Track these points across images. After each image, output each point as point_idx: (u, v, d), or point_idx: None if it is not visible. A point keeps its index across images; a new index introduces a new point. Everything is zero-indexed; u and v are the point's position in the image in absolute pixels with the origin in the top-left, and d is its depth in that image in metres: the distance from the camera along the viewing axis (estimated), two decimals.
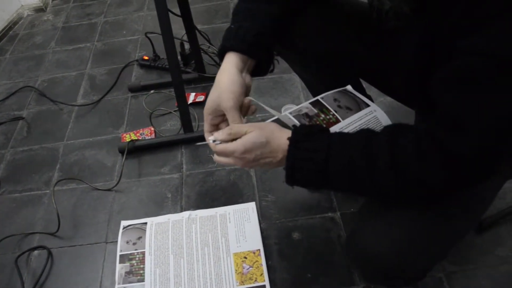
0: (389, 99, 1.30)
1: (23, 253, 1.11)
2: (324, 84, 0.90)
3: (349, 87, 0.75)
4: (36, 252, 1.12)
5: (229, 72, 0.70)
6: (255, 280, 0.99)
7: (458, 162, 0.56)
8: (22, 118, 1.53)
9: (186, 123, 1.33)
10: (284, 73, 1.54)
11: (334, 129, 0.69)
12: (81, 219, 1.18)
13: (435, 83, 0.58)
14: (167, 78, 1.50)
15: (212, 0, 1.98)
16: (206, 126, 0.74)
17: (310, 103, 0.72)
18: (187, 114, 1.31)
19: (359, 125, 0.70)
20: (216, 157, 0.69)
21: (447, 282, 0.95)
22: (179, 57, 1.46)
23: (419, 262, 0.69)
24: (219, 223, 1.10)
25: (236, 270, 1.01)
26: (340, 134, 0.65)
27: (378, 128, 0.70)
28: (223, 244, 1.06)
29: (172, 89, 1.40)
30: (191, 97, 1.48)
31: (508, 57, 0.49)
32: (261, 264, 1.01)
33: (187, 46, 1.53)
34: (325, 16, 0.80)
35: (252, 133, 0.65)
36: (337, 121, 0.70)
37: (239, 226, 1.09)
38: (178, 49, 1.44)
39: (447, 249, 0.74)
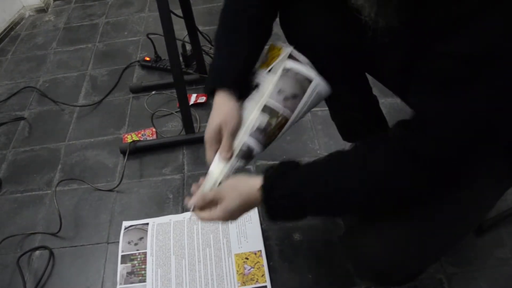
0: (390, 100, 1.32)
1: (25, 253, 1.11)
2: (332, 77, 0.91)
3: (293, 52, 0.76)
4: (37, 252, 1.12)
5: (229, 102, 0.75)
6: (257, 281, 0.99)
7: (430, 167, 0.57)
8: (24, 119, 1.53)
9: (188, 124, 1.33)
10: None
11: (286, 127, 0.75)
12: (82, 219, 1.18)
13: (411, 88, 0.59)
14: (169, 79, 1.50)
15: (213, 2, 1.99)
16: (211, 155, 0.76)
17: (261, 110, 0.75)
18: (188, 115, 1.32)
19: (306, 107, 0.75)
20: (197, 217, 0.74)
21: (447, 283, 0.95)
22: (180, 58, 1.47)
23: (408, 265, 0.70)
24: (220, 224, 1.10)
25: (237, 271, 1.01)
26: (308, 167, 0.67)
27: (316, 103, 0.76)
28: (224, 245, 1.06)
29: (174, 90, 1.40)
30: (193, 98, 1.48)
31: (475, 56, 0.49)
32: (263, 265, 1.01)
33: (188, 47, 1.53)
34: (331, 9, 0.81)
35: (229, 199, 0.70)
36: (286, 120, 0.74)
37: (240, 227, 1.09)
38: (180, 50, 1.44)
39: (439, 254, 0.74)
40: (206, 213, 0.73)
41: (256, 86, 0.77)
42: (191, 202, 0.74)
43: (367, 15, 0.55)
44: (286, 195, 0.65)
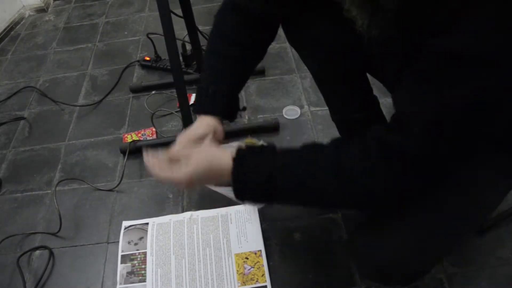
0: (390, 100, 1.31)
1: (25, 253, 1.11)
2: (333, 77, 0.91)
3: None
4: (37, 252, 1.12)
5: (218, 125, 0.79)
6: (257, 281, 0.99)
7: (406, 166, 0.57)
8: (24, 118, 1.53)
9: (188, 124, 1.33)
10: (286, 75, 1.54)
11: None
12: (82, 219, 1.18)
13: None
14: (169, 78, 1.50)
15: (213, 1, 1.99)
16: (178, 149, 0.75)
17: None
18: (188, 115, 1.31)
19: None
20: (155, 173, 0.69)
21: (448, 283, 0.95)
22: (180, 58, 1.47)
23: (411, 265, 0.70)
24: (220, 223, 1.10)
25: (237, 270, 1.01)
26: (284, 151, 0.66)
27: None
28: (224, 244, 1.06)
29: (174, 90, 1.40)
30: (193, 98, 1.48)
31: (459, 55, 0.49)
32: (263, 265, 1.01)
33: (188, 47, 1.53)
34: (332, 17, 0.81)
35: (198, 158, 0.67)
36: None
37: (240, 227, 1.09)
38: (180, 50, 1.44)
39: (442, 254, 0.74)
40: (167, 172, 0.67)
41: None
42: (151, 157, 0.68)
43: (361, 25, 0.56)
44: (258, 170, 0.63)
